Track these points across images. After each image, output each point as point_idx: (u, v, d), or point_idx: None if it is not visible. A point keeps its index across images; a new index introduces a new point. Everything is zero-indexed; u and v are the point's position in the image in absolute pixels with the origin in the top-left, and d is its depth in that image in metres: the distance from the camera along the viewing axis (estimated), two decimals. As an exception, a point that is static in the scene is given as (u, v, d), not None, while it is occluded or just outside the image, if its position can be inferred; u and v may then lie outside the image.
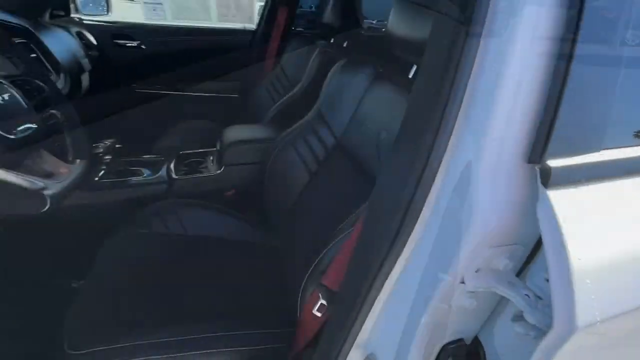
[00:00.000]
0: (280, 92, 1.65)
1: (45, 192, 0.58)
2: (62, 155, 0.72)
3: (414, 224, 0.37)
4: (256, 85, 1.77)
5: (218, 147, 1.16)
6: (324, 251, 0.62)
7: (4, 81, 0.61)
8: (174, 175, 1.10)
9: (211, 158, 1.20)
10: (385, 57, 0.98)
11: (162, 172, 1.12)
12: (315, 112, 1.03)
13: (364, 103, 0.88)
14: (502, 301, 0.39)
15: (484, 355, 0.41)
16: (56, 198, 0.60)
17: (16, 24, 1.03)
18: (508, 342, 0.38)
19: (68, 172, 0.67)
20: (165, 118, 1.83)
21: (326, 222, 0.85)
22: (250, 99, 1.79)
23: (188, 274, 0.85)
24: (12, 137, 0.57)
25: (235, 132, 1.18)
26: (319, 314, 0.60)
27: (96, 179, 1.06)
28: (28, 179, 0.59)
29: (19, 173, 0.59)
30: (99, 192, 1.00)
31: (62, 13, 1.50)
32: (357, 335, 0.44)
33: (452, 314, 0.37)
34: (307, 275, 0.63)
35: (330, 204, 0.87)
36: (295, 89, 1.33)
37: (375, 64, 0.92)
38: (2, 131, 0.55)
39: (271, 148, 1.06)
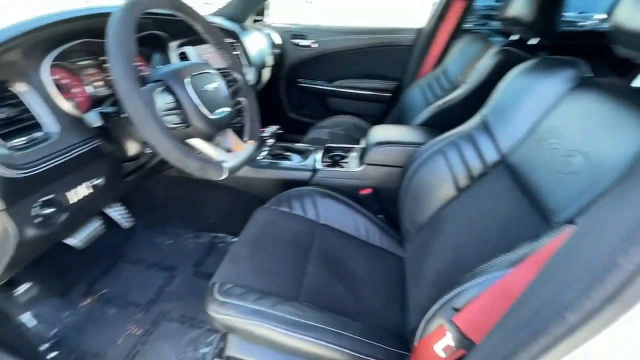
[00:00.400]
0: (438, 93, 1.52)
1: (225, 165, 0.71)
2: (240, 135, 0.86)
3: None
4: (411, 86, 1.70)
5: (363, 145, 1.17)
6: (463, 286, 0.52)
7: (215, 72, 0.77)
8: (317, 166, 1.18)
9: (354, 154, 1.23)
10: (598, 59, 0.74)
11: (309, 161, 1.22)
12: (479, 119, 0.89)
13: (554, 114, 0.69)
14: None
15: None
16: (232, 171, 0.72)
17: (228, 27, 1.31)
18: None
19: (243, 150, 0.80)
20: (320, 111, 2.00)
21: (467, 250, 0.73)
22: (403, 99, 1.73)
23: (317, 259, 0.90)
24: (212, 117, 0.71)
25: (381, 132, 1.16)
26: (442, 354, 0.51)
27: (259, 158, 1.25)
28: (217, 151, 0.74)
29: (212, 146, 0.74)
30: (259, 169, 1.18)
31: (260, 18, 1.82)
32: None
33: None
34: (437, 306, 0.55)
35: (477, 230, 0.74)
36: (458, 92, 1.19)
37: (581, 66, 0.71)
38: (207, 111, 0.69)
39: (417, 153, 0.99)
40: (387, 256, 1.01)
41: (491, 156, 0.84)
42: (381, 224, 1.07)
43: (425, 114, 1.25)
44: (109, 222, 1.26)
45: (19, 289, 0.85)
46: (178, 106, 0.66)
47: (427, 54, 1.67)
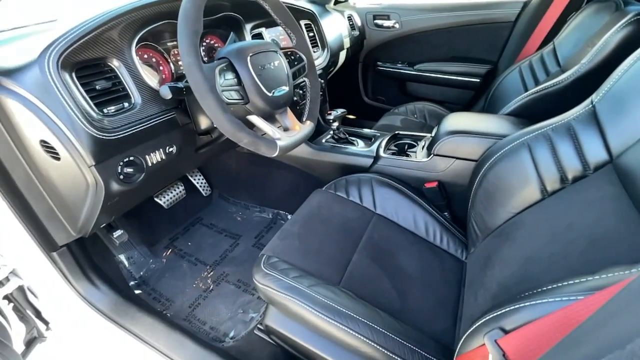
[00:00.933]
0: (540, 78, 1.28)
1: (279, 143, 0.72)
2: (299, 116, 0.87)
3: None
4: (509, 70, 1.46)
5: (433, 134, 1.06)
6: (519, 304, 0.43)
7: (277, 51, 0.78)
8: (381, 153, 1.12)
9: (423, 144, 1.12)
10: None
11: (373, 147, 1.17)
12: (586, 108, 0.71)
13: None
14: None
15: None
16: (284, 149, 0.73)
17: (306, 8, 1.31)
18: None
19: (299, 130, 0.81)
20: (398, 97, 1.89)
21: (539, 265, 0.60)
22: (495, 86, 1.51)
23: (366, 248, 0.87)
24: (270, 94, 0.72)
25: (457, 120, 1.03)
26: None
27: (323, 140, 1.25)
28: (272, 129, 0.76)
29: (269, 123, 0.76)
30: (320, 152, 1.18)
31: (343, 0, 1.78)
32: None
33: None
34: (481, 320, 0.47)
35: (558, 243, 0.60)
36: (565, 75, 0.97)
37: None
38: (265, 88, 0.71)
39: (497, 146, 0.85)
40: (446, 258, 0.92)
41: (596, 155, 0.66)
42: (445, 222, 0.97)
43: (517, 101, 1.05)
44: (191, 188, 1.43)
45: (114, 233, 1.04)
46: (238, 82, 0.69)
47: (533, 31, 1.41)
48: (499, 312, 0.45)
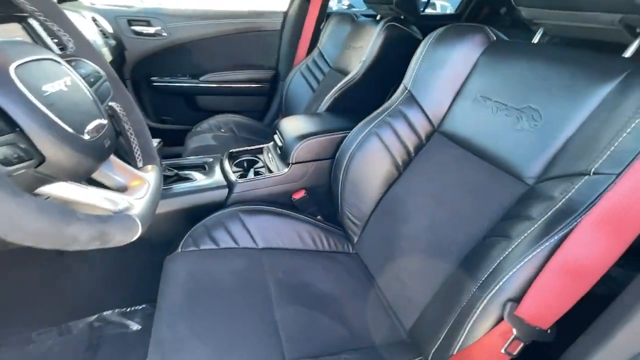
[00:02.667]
0: (319, 78, 1.48)
1: (133, 213, 0.41)
2: (127, 162, 0.54)
3: None
4: (291, 73, 1.60)
5: (279, 143, 0.99)
6: (506, 273, 0.46)
7: (59, 59, 0.43)
8: (233, 179, 0.93)
9: (269, 156, 1.03)
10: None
11: (217, 175, 0.95)
12: (403, 94, 0.87)
13: (478, 77, 0.72)
14: None
15: None
16: (146, 219, 0.43)
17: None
18: None
19: (145, 183, 0.50)
20: (190, 114, 1.65)
21: (444, 227, 0.70)
22: (285, 88, 1.61)
23: (280, 296, 0.70)
24: (81, 136, 0.39)
25: (296, 124, 1.01)
26: (511, 353, 0.45)
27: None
28: (103, 195, 0.43)
29: (92, 188, 0.42)
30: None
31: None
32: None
33: None
34: (483, 304, 0.47)
35: (446, 204, 0.71)
36: (355, 71, 1.16)
37: (487, 30, 0.76)
38: (69, 127, 0.38)
39: (348, 139, 0.90)
40: (340, 258, 0.91)
41: (424, 127, 0.83)
42: (323, 225, 0.95)
43: (329, 98, 1.17)
44: None
45: None
46: (9, 126, 0.33)
47: (299, 38, 1.60)
48: (494, 289, 0.47)
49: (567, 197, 0.47)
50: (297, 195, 0.96)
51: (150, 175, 0.53)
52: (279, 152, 0.99)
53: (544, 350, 0.47)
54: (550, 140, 0.57)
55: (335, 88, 1.18)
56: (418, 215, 0.76)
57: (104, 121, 0.44)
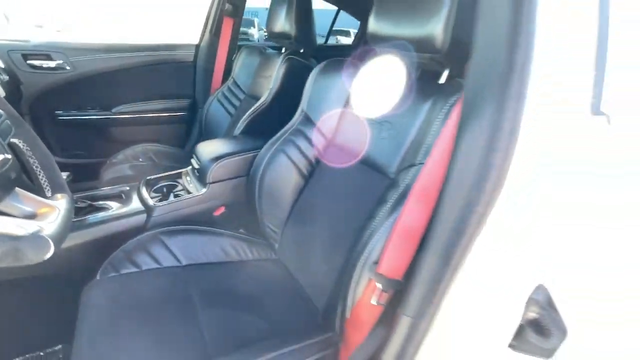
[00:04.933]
0: (236, 104, 1.59)
1: (45, 233, 0.47)
2: (37, 192, 0.58)
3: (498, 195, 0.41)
4: (208, 101, 1.68)
5: (196, 166, 1.07)
6: (370, 243, 0.62)
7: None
8: (151, 204, 0.97)
9: (187, 179, 1.10)
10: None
11: (134, 203, 0.98)
12: (301, 115, 1.03)
13: (354, 99, 0.92)
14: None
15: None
16: (59, 238, 0.48)
17: None
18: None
19: (54, 209, 0.55)
20: (105, 146, 1.61)
21: (341, 221, 0.85)
22: (203, 116, 1.68)
23: (204, 304, 0.76)
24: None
25: (211, 147, 1.10)
26: (377, 303, 0.60)
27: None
28: (10, 222, 0.47)
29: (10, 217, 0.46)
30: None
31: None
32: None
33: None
34: (358, 269, 0.62)
35: (340, 202, 0.87)
36: (264, 98, 1.30)
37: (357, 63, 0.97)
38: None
39: (259, 158, 1.02)
40: (265, 265, 1.00)
41: (320, 142, 1.00)
42: (246, 237, 1.04)
43: (243, 122, 1.28)
44: None
45: None
46: None
47: (213, 68, 1.70)
48: (364, 257, 0.62)
49: (406, 182, 0.65)
50: (218, 212, 1.04)
51: (60, 203, 0.58)
52: (197, 174, 1.07)
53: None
54: (402, 143, 0.76)
55: (248, 113, 1.30)
56: (322, 214, 0.90)
57: (8, 156, 0.49)
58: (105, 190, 1.03)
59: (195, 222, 0.99)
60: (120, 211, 0.93)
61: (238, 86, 1.64)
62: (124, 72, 1.59)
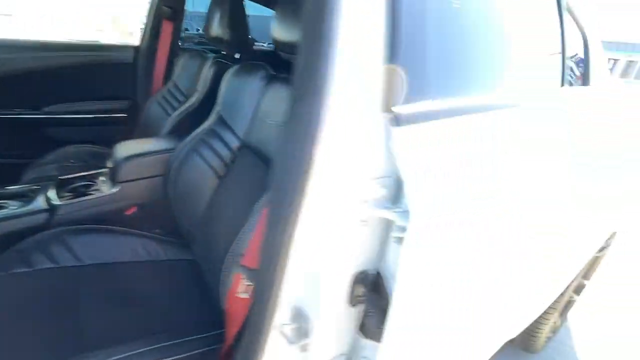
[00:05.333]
0: (175, 106, 1.59)
1: None
2: None
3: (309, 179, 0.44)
4: (148, 102, 1.67)
5: (110, 165, 1.06)
6: (238, 236, 0.65)
7: None
8: (55, 202, 0.96)
9: (102, 179, 1.09)
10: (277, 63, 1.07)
11: (38, 201, 0.97)
12: (216, 117, 1.05)
13: (263, 101, 0.94)
14: (388, 229, 0.49)
15: (382, 280, 0.50)
16: None
17: None
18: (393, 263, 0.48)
19: None
20: (37, 146, 1.56)
21: (241, 219, 0.87)
22: (143, 117, 1.66)
23: (92, 301, 0.76)
24: None
25: (128, 147, 1.10)
26: (245, 295, 0.62)
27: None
28: None
29: None
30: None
31: None
32: (279, 294, 0.49)
33: (354, 246, 0.45)
34: (225, 262, 0.65)
35: (244, 201, 0.90)
36: (192, 99, 1.31)
37: (267, 68, 1.00)
38: None
39: (173, 158, 1.03)
40: (178, 265, 1.00)
41: (234, 143, 1.02)
42: (160, 237, 1.04)
43: (169, 124, 1.29)
44: None
45: None
46: None
47: (153, 71, 1.69)
48: (233, 250, 0.64)
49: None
50: (129, 212, 1.03)
51: None
52: (111, 172, 1.06)
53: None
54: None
55: (175, 114, 1.31)
56: (230, 210, 0.92)
57: None
58: (11, 189, 1.01)
59: (108, 222, 0.98)
60: (17, 211, 0.91)
61: (179, 88, 1.64)
62: (58, 70, 1.56)
